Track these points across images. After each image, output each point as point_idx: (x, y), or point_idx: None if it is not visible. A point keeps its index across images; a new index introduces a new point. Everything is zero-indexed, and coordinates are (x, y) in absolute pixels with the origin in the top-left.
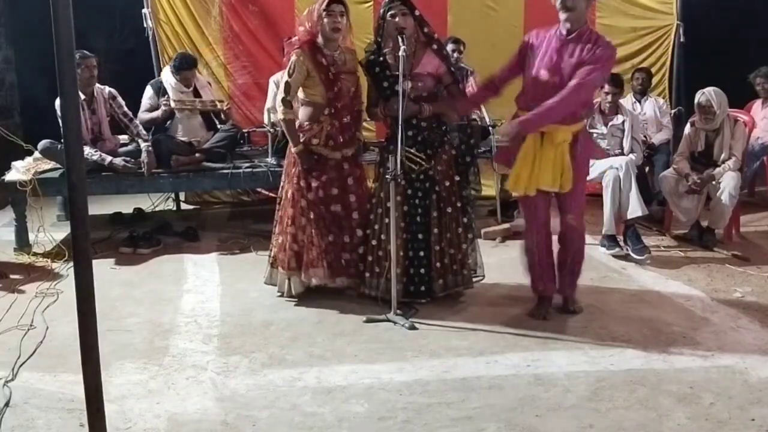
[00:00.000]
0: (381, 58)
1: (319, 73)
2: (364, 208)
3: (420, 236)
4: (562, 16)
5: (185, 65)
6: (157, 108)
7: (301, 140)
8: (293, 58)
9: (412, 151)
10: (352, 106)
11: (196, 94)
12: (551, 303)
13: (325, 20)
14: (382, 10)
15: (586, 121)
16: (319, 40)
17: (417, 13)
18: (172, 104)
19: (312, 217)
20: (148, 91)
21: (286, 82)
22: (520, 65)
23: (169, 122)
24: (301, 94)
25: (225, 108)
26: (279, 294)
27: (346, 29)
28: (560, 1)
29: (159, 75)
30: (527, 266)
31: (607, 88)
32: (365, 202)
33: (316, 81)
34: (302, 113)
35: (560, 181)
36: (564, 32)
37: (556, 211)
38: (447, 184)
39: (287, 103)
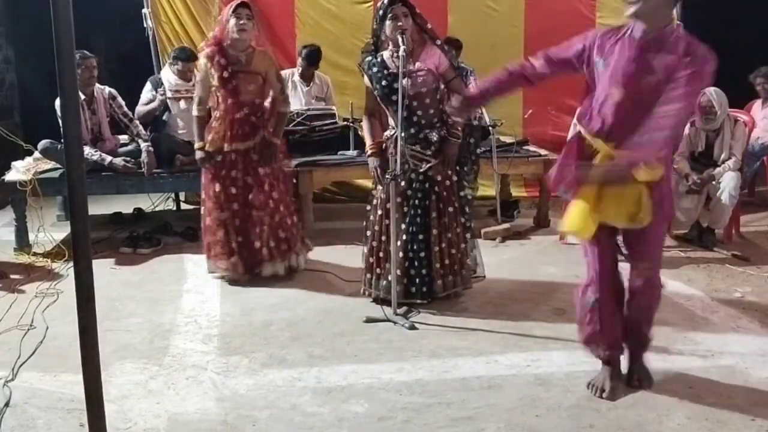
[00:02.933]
0: (379, 59)
1: (216, 71)
2: (271, 200)
3: (420, 237)
4: (629, 10)
5: (183, 56)
6: (154, 101)
7: (208, 140)
8: (200, 60)
9: (416, 148)
10: (252, 101)
11: None
12: (618, 371)
13: (232, 21)
14: (380, 12)
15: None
16: (227, 42)
17: (417, 11)
18: (168, 93)
19: (221, 218)
20: (147, 86)
21: (198, 82)
22: (572, 66)
23: (166, 115)
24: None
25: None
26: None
27: (253, 30)
28: None
29: (159, 74)
30: (584, 321)
31: None
32: (272, 195)
33: (215, 79)
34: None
35: (634, 212)
36: (638, 35)
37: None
38: (447, 184)
39: (199, 100)
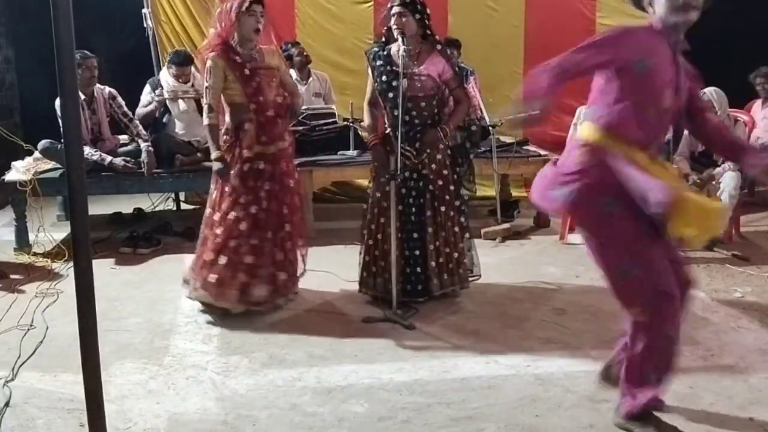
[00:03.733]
0: (385, 52)
1: (235, 71)
2: (297, 219)
3: (415, 235)
4: (691, 15)
5: (177, 60)
6: (152, 103)
7: (224, 149)
8: (208, 63)
9: (404, 146)
10: (276, 100)
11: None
12: None
13: (248, 20)
14: (388, 6)
15: None
16: (234, 40)
17: (418, 16)
18: (165, 95)
19: (242, 235)
20: (146, 89)
21: (206, 88)
22: (591, 74)
23: (167, 117)
24: (223, 97)
25: None
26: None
27: (265, 30)
28: None
29: (158, 75)
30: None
31: None
32: (297, 212)
33: (233, 80)
34: (228, 116)
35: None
36: (672, 41)
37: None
38: (440, 183)
39: (210, 107)
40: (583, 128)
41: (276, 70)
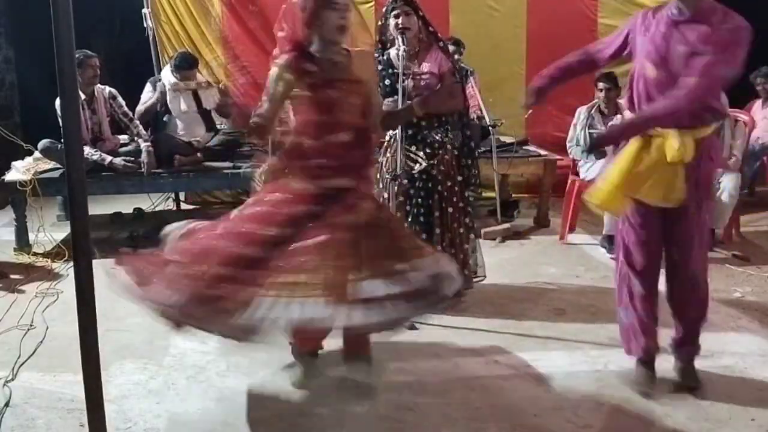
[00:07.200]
0: (385, 57)
1: (303, 82)
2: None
3: (423, 236)
4: None
5: (185, 64)
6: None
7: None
8: (271, 71)
9: (411, 149)
10: (352, 123)
11: (196, 95)
12: (654, 368)
13: (329, 15)
14: (384, 10)
15: (715, 125)
16: (312, 44)
17: (421, 12)
18: (167, 85)
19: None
20: (147, 87)
21: (265, 98)
22: (619, 57)
23: (167, 117)
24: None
25: (220, 87)
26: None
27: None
28: None
29: (159, 75)
30: (625, 321)
31: (601, 84)
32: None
33: (301, 93)
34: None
35: (667, 191)
36: (675, 11)
37: None
38: (449, 184)
39: (260, 115)
40: None
41: (362, 84)
